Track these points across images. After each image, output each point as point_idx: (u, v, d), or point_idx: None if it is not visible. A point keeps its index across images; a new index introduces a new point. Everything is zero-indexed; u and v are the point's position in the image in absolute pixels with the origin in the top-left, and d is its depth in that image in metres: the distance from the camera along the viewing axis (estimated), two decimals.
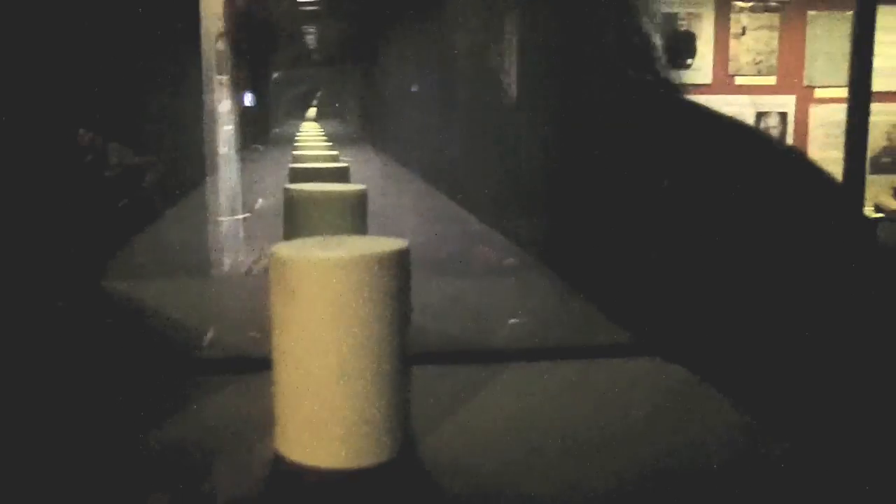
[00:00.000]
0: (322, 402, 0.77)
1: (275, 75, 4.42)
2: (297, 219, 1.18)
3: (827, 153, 3.58)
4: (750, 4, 3.51)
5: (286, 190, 1.18)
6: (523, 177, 1.60)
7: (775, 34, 3.53)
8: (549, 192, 1.44)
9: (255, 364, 0.91)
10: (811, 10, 3.54)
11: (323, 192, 1.18)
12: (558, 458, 0.79)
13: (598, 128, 1.23)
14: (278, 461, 0.80)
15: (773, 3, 3.52)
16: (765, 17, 3.52)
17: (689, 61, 3.54)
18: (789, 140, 3.57)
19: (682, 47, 3.53)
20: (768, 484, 0.72)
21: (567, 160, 1.34)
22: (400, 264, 0.78)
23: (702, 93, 3.53)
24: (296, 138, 2.72)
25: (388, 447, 0.80)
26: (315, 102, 4.57)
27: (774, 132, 3.56)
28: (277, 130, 4.21)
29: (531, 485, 0.75)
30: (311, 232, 1.13)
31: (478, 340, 1.10)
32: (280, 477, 0.78)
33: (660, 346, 1.02)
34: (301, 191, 1.18)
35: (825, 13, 3.55)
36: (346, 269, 0.75)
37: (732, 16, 3.52)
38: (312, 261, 0.76)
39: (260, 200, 2.06)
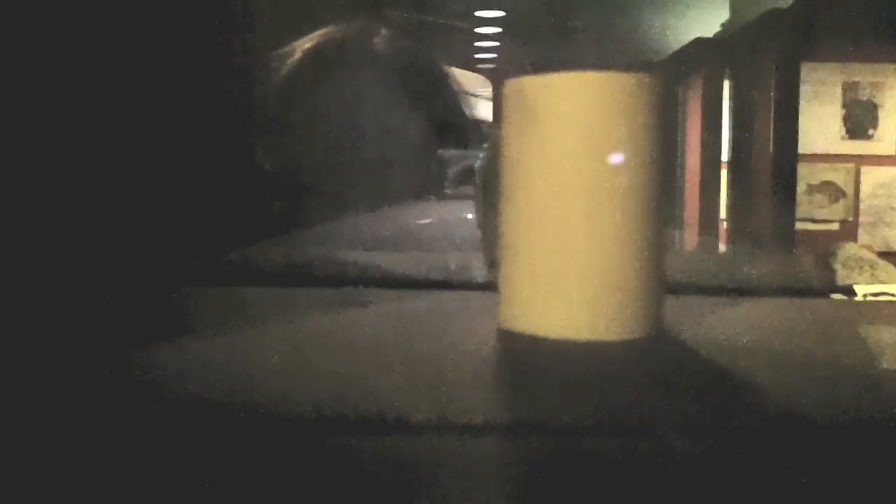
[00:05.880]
0: (565, 257, 0.67)
1: (439, 151, 4.53)
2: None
3: None
4: None
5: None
6: None
7: None
8: None
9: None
10: None
11: None
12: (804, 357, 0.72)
13: None
14: (504, 335, 0.70)
15: None
16: None
17: (870, 132, 3.39)
18: None
19: (863, 118, 3.39)
20: None
21: None
22: (658, 94, 0.68)
23: (884, 164, 3.37)
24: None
25: (643, 322, 0.69)
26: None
27: None
28: (449, 191, 4.32)
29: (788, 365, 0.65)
30: None
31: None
32: (507, 350, 0.69)
33: None
34: None
35: None
36: (599, 87, 0.66)
37: None
38: (558, 79, 0.67)
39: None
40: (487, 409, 0.54)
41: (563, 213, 0.67)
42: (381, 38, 2.07)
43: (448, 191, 4.49)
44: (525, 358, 0.66)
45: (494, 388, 0.60)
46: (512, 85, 0.69)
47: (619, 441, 0.50)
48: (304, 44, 1.68)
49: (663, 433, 0.51)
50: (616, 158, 0.65)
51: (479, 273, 1.10)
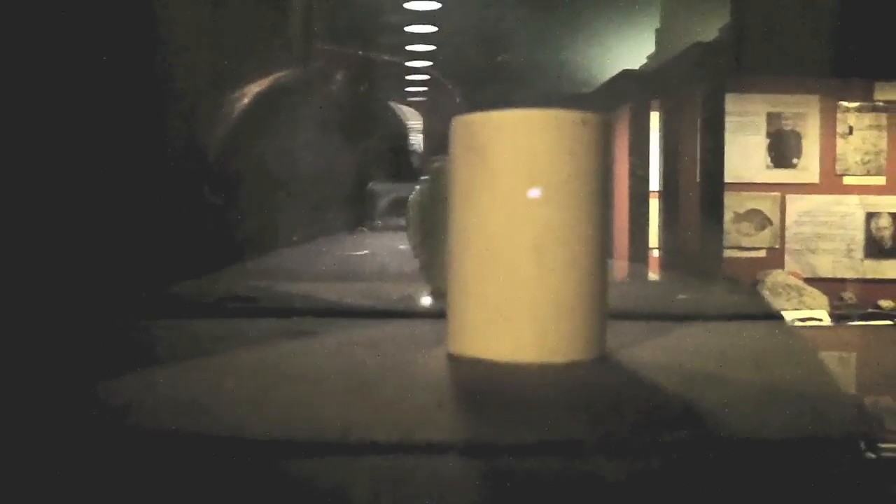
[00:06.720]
0: (513, 286, 0.69)
1: (370, 184, 4.55)
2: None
3: None
4: (856, 104, 3.45)
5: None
6: None
7: (884, 134, 3.46)
8: None
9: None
10: None
11: None
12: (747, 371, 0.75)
13: None
14: (455, 361, 0.72)
15: (881, 104, 3.46)
16: (872, 117, 3.46)
17: (794, 161, 3.47)
18: None
19: (787, 147, 3.48)
20: None
21: None
22: (603, 132, 0.71)
23: (809, 192, 3.46)
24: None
25: (588, 346, 0.72)
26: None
27: (886, 233, 3.45)
28: (380, 223, 4.32)
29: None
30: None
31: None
32: (461, 374, 0.71)
33: None
34: None
35: None
36: (546, 124, 0.69)
37: (839, 115, 3.46)
38: (507, 117, 0.70)
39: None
40: (446, 431, 0.55)
41: (511, 243, 0.69)
42: (336, 84, 2.11)
43: (379, 222, 4.50)
44: (477, 381, 0.68)
45: (450, 411, 0.62)
46: (461, 121, 0.71)
47: (571, 459, 0.51)
48: (257, 87, 1.70)
49: (607, 450, 0.53)
50: (534, 193, 0.67)
51: (422, 301, 1.12)
